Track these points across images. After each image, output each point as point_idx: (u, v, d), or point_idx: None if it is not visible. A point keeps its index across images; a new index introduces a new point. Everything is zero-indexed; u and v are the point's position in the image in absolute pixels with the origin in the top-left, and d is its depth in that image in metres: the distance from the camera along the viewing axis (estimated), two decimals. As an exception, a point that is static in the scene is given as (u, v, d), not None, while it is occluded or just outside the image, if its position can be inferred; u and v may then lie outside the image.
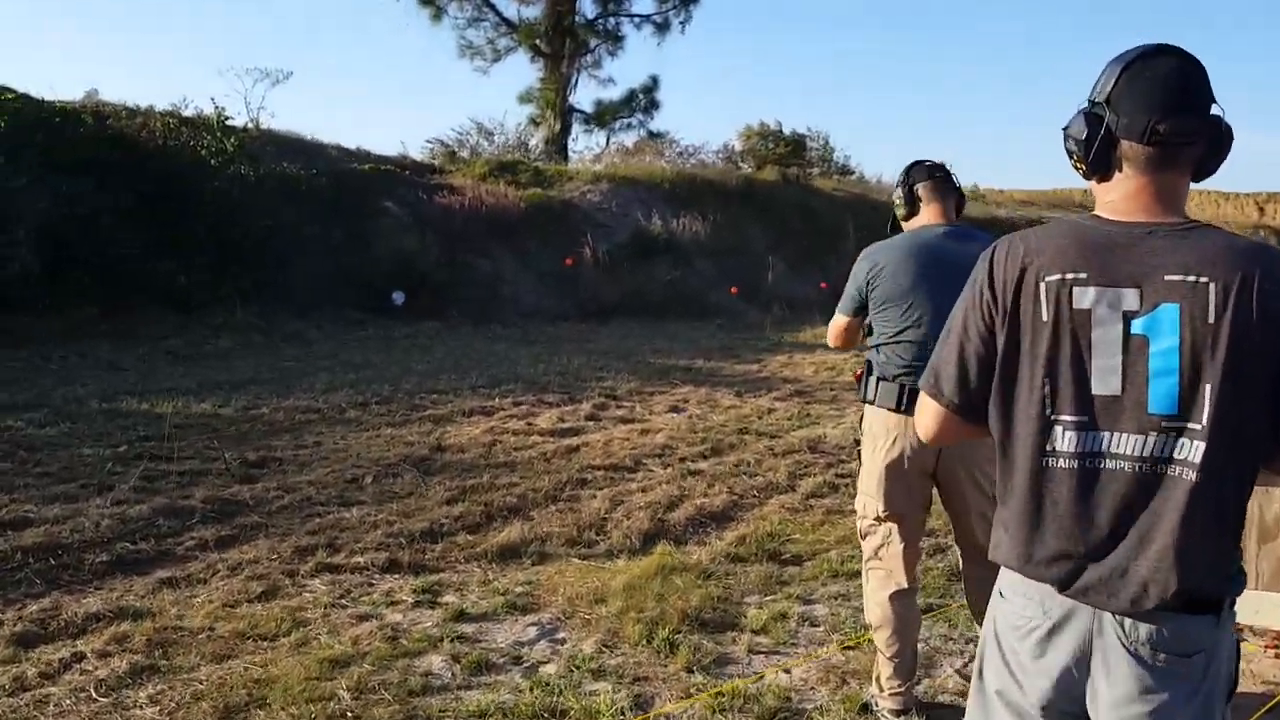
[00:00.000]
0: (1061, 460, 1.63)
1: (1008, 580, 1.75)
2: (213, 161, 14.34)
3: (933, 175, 3.37)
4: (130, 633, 3.89)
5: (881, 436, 3.26)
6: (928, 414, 1.81)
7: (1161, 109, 1.61)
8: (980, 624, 3.45)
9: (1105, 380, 1.60)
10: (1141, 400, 1.58)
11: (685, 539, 5.32)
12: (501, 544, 5.06)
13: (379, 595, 4.42)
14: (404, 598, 4.39)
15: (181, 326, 12.37)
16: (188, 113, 15.19)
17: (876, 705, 3.35)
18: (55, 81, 56.69)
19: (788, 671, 3.70)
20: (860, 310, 3.39)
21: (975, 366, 1.72)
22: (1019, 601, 1.71)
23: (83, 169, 12.74)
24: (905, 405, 3.15)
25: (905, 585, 3.27)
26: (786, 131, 26.18)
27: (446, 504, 5.72)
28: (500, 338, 13.84)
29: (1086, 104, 1.70)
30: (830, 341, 3.61)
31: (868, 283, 3.30)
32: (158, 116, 14.90)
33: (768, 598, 4.48)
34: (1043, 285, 1.63)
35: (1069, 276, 1.62)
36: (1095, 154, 1.67)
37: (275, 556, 4.83)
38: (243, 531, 5.21)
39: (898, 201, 3.43)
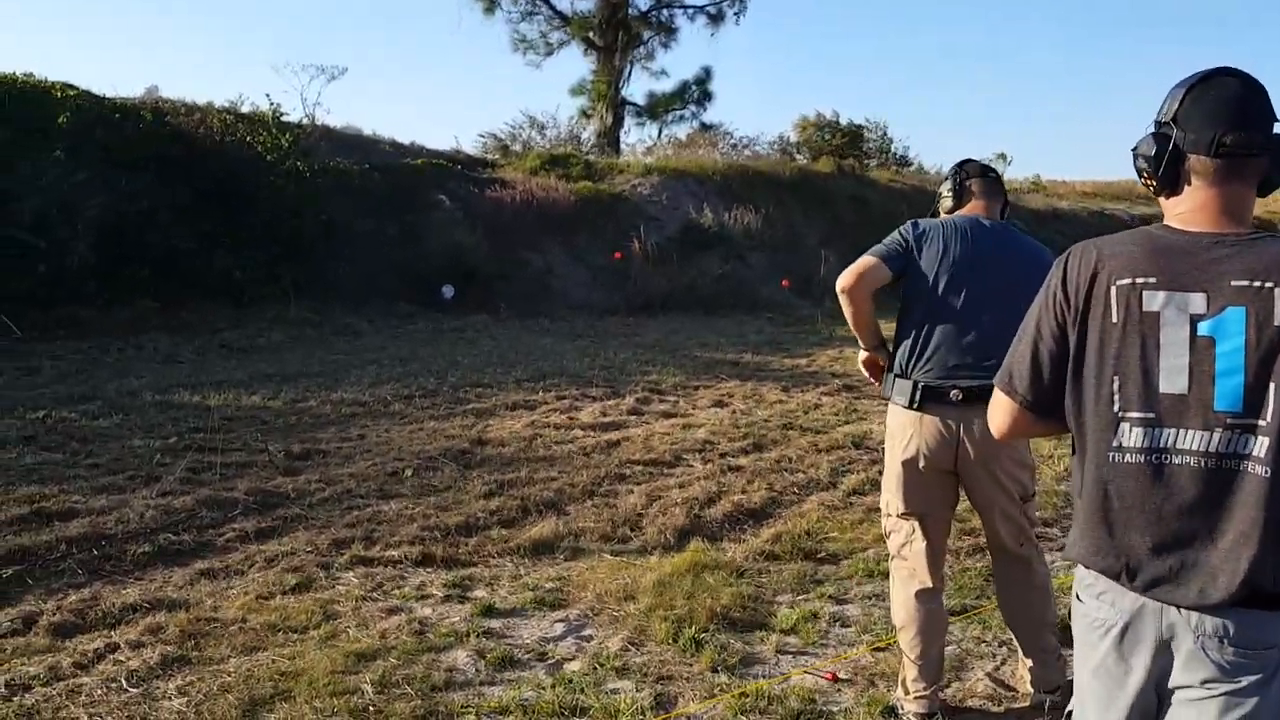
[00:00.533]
0: (1128, 455, 1.70)
1: (1080, 580, 1.84)
2: (268, 157, 14.56)
3: (985, 174, 3.38)
4: (165, 623, 3.96)
5: (898, 434, 3.20)
6: (1001, 409, 1.91)
7: (1227, 123, 1.71)
8: (1009, 625, 3.39)
9: (1172, 379, 1.67)
10: (1206, 399, 1.65)
11: (720, 536, 5.27)
12: (535, 539, 5.06)
13: (410, 589, 4.44)
14: (434, 592, 4.41)
15: (236, 320, 12.63)
16: (245, 109, 15.46)
17: (902, 709, 3.28)
18: (117, 78, 58.26)
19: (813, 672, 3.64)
20: (894, 259, 3.15)
21: (1048, 365, 1.82)
22: (1092, 603, 1.79)
23: (141, 165, 13.05)
24: (919, 402, 3.09)
25: (929, 585, 3.20)
26: (844, 122, 25.94)
27: (483, 498, 5.74)
28: (547, 332, 13.87)
29: (1153, 125, 1.81)
30: (843, 281, 3.14)
31: (916, 241, 3.15)
32: (215, 113, 15.15)
33: (800, 597, 4.42)
34: (1114, 289, 1.73)
35: (1139, 281, 1.71)
36: (1164, 170, 1.77)
37: (312, 549, 4.88)
38: (283, 523, 5.27)
39: (946, 194, 3.38)
